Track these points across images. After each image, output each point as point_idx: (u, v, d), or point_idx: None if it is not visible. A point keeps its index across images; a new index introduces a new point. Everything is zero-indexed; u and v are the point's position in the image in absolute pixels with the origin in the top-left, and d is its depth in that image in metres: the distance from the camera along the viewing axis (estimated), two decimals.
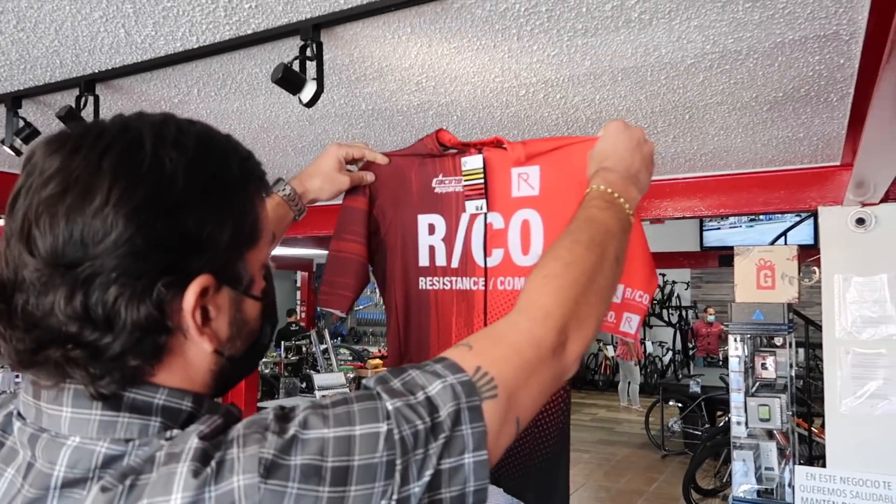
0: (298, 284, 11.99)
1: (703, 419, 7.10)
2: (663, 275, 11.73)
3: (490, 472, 0.62)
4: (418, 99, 1.69)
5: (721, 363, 8.99)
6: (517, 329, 0.72)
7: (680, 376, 9.43)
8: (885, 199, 2.35)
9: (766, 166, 2.51)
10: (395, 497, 0.55)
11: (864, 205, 2.38)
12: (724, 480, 5.38)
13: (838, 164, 2.44)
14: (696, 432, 6.96)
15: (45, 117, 1.83)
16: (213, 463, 0.53)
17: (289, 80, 1.17)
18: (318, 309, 11.98)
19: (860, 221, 2.36)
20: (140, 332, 0.56)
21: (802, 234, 5.78)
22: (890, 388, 2.31)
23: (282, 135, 2.09)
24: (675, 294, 11.92)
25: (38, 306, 0.55)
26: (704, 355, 10.54)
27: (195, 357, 0.62)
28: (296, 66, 1.22)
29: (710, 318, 10.52)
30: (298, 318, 10.04)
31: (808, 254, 2.74)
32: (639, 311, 1.18)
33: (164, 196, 0.57)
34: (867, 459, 2.33)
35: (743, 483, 2.74)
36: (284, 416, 0.58)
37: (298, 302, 11.84)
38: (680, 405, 7.40)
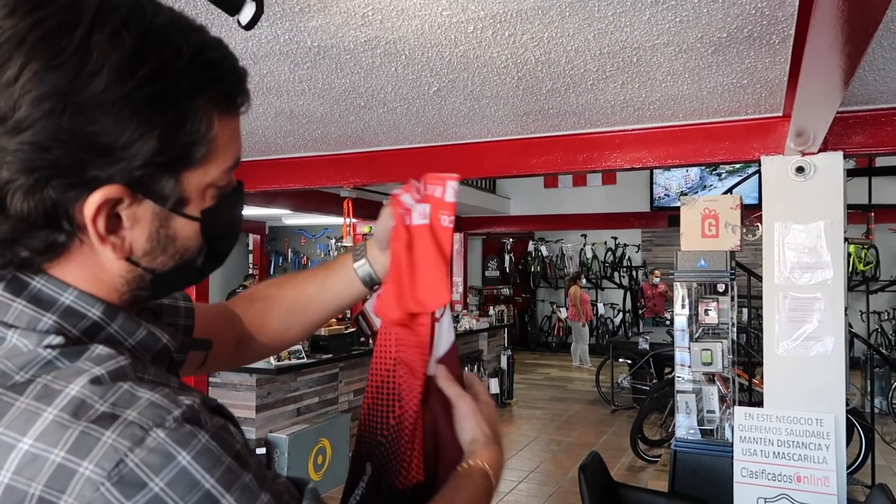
0: (251, 248, 11.78)
1: (652, 375, 7.32)
2: (615, 238, 11.95)
3: None
4: (365, 35, 1.65)
5: (668, 323, 9.26)
6: None
7: (630, 335, 9.69)
8: (823, 149, 2.42)
9: (711, 116, 2.56)
10: None
11: (804, 154, 2.45)
12: (670, 430, 5.58)
13: (780, 114, 2.49)
14: (645, 387, 7.17)
15: None
16: (77, 429, 0.49)
17: None
18: (272, 274, 11.81)
19: (800, 170, 2.43)
20: (26, 225, 0.53)
21: (749, 198, 5.93)
22: (823, 331, 2.41)
23: None
24: (627, 256, 12.16)
25: None
26: (652, 316, 10.85)
27: (107, 260, 0.59)
28: None
29: (656, 279, 10.82)
30: (255, 283, 9.90)
31: (753, 212, 2.81)
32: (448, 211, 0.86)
33: (78, 90, 0.51)
34: (801, 398, 2.44)
35: (685, 425, 2.84)
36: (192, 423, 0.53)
37: (251, 265, 11.65)
38: (629, 362, 7.61)
